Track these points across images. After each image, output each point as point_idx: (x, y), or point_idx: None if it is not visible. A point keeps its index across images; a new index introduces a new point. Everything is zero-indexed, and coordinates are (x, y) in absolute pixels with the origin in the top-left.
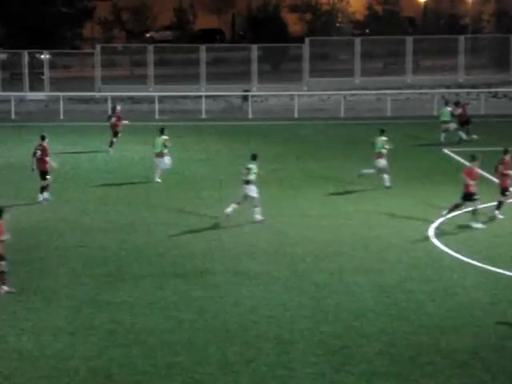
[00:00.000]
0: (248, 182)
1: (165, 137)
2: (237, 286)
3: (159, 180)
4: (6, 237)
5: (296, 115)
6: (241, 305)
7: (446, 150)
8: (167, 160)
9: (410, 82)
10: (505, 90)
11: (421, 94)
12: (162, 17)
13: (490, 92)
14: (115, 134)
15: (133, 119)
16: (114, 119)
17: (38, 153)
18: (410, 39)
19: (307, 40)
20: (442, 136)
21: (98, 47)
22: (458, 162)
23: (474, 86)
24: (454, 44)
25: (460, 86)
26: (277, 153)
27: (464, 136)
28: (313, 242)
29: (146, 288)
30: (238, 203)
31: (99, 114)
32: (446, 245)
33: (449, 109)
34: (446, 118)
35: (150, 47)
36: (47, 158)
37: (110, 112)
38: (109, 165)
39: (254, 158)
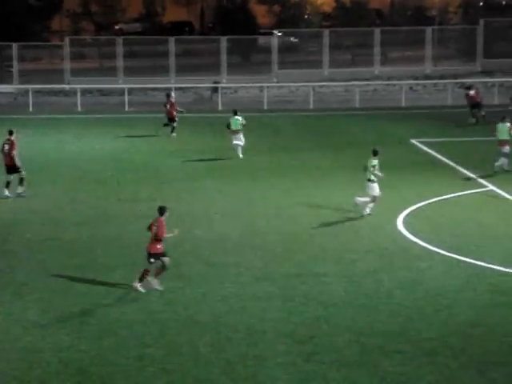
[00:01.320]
0: (370, 180)
1: (238, 117)
2: (207, 277)
3: (241, 156)
4: (170, 234)
5: (265, 107)
6: (211, 296)
7: (413, 141)
8: (242, 137)
9: (378, 74)
10: (471, 80)
11: (388, 85)
12: (130, 9)
13: (457, 83)
14: (171, 120)
15: (102, 111)
16: (168, 106)
17: (6, 147)
18: (377, 31)
19: (276, 32)
20: None
21: (67, 39)
22: (426, 152)
23: (441, 77)
24: (421, 35)
25: (427, 77)
26: (247, 144)
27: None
28: (283, 232)
29: (117, 280)
30: (372, 201)
31: (69, 106)
32: (414, 234)
33: None
34: None
35: (119, 39)
36: (14, 152)
37: (165, 101)
38: (79, 158)
39: (375, 153)
